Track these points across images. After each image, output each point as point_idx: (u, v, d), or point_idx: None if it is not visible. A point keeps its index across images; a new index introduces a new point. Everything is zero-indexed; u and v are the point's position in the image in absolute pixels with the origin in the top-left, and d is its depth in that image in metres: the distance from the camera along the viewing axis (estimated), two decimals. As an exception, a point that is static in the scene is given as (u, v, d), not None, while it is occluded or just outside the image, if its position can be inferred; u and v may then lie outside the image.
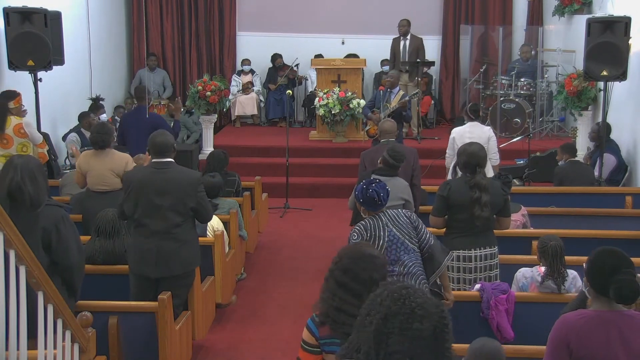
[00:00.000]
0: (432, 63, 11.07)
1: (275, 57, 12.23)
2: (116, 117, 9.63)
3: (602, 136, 8.02)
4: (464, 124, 7.48)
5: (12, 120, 6.64)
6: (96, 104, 9.33)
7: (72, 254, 3.93)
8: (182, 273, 4.70)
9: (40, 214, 3.82)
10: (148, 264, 4.60)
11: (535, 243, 4.97)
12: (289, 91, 10.51)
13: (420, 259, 4.14)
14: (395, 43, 11.00)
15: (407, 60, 10.79)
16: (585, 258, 4.60)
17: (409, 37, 10.89)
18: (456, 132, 7.27)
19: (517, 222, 5.82)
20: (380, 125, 6.59)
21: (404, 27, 10.88)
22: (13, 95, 6.78)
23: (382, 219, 4.10)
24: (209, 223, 5.72)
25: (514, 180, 8.77)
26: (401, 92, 8.94)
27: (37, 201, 3.80)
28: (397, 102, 8.70)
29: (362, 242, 3.08)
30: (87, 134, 8.46)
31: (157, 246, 4.59)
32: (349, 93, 10.38)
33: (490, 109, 10.79)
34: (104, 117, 9.24)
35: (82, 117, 8.71)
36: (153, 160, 4.79)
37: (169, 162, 4.74)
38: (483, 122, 7.48)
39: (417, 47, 10.89)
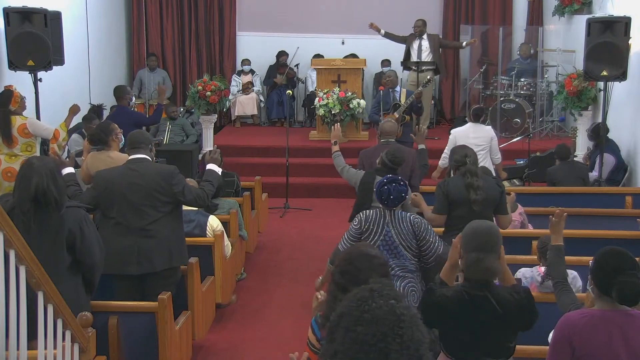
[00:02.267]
0: (432, 63, 11.05)
1: (281, 54, 12.25)
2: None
3: (602, 136, 8.03)
4: (464, 124, 7.60)
5: (17, 120, 6.62)
6: (94, 112, 9.19)
7: (95, 253, 3.98)
8: (164, 270, 4.63)
9: (65, 216, 3.87)
10: (129, 262, 4.56)
11: (535, 243, 4.98)
12: (289, 91, 10.51)
13: (411, 265, 4.23)
14: (409, 41, 10.88)
15: (421, 60, 10.72)
16: (585, 258, 4.63)
17: (425, 36, 10.83)
18: (457, 132, 7.46)
19: (516, 221, 5.85)
20: (381, 125, 6.62)
21: (419, 27, 10.80)
22: (9, 96, 6.71)
23: (385, 216, 4.21)
24: (208, 223, 5.73)
25: (514, 180, 8.82)
26: (404, 90, 8.93)
27: (60, 202, 3.85)
28: (405, 97, 8.69)
29: (361, 242, 3.11)
30: None
31: (136, 243, 4.55)
32: (349, 93, 10.38)
33: (490, 109, 10.79)
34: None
35: (85, 121, 8.67)
36: (129, 157, 4.79)
37: (143, 159, 4.72)
38: (483, 122, 7.62)
39: (439, 43, 10.84)
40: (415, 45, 10.83)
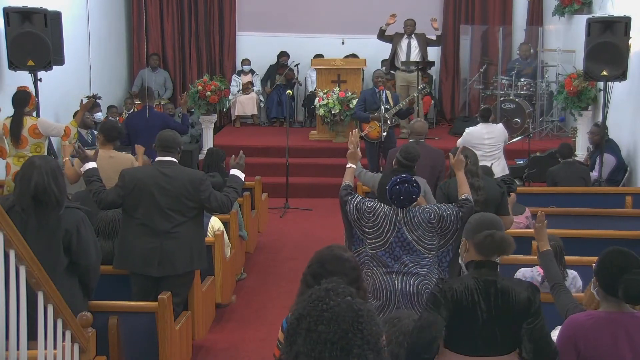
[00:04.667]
0: (432, 63, 11.06)
1: (281, 55, 12.26)
2: (110, 118, 9.59)
3: (602, 136, 8.03)
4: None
5: (28, 121, 6.62)
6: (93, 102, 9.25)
7: (91, 255, 3.98)
8: (184, 272, 4.70)
9: (62, 217, 3.88)
10: (151, 264, 4.61)
11: (535, 243, 4.98)
12: (289, 91, 10.51)
13: (425, 259, 4.21)
14: (395, 41, 10.90)
15: (410, 59, 10.74)
16: (585, 258, 4.63)
17: (413, 36, 10.85)
18: (472, 132, 7.59)
19: (521, 224, 5.86)
20: (411, 125, 6.67)
21: (410, 26, 10.83)
22: (27, 97, 6.70)
23: (398, 214, 4.21)
24: (210, 224, 5.74)
25: (514, 180, 8.82)
26: (388, 92, 8.91)
27: (61, 201, 3.87)
28: (392, 99, 8.69)
29: (335, 244, 3.11)
30: (84, 132, 8.46)
31: (160, 246, 4.60)
32: (349, 93, 10.37)
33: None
34: (99, 115, 9.19)
35: (77, 114, 8.66)
36: (157, 159, 4.81)
37: (172, 162, 4.75)
38: (493, 122, 7.71)
39: (425, 41, 10.88)
40: (404, 45, 10.83)
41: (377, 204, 4.32)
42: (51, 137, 7.21)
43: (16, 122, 6.57)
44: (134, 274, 4.71)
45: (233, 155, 5.16)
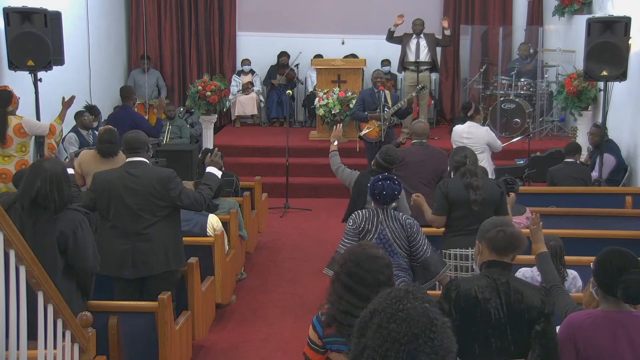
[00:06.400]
0: (432, 63, 11.05)
1: (282, 55, 12.27)
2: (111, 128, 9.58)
3: (602, 136, 8.03)
4: (464, 122, 7.65)
5: (12, 120, 6.62)
6: (89, 112, 9.21)
7: (88, 258, 3.96)
8: (162, 273, 4.64)
9: (59, 218, 3.87)
10: (126, 266, 4.57)
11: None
12: (289, 91, 10.51)
13: (404, 263, 4.29)
14: (405, 41, 10.88)
15: (419, 59, 10.75)
16: (585, 258, 4.63)
17: (422, 35, 10.84)
18: (455, 130, 7.54)
19: (521, 224, 5.84)
20: (412, 126, 6.65)
21: (419, 26, 10.81)
22: (9, 97, 6.70)
23: (379, 215, 4.23)
24: (209, 222, 5.73)
25: (516, 180, 8.82)
26: (387, 92, 8.91)
27: (60, 208, 3.86)
28: (392, 99, 8.69)
29: (365, 242, 3.11)
30: (84, 133, 8.46)
31: (132, 247, 4.56)
32: (349, 93, 10.38)
33: (490, 109, 10.79)
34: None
35: (77, 115, 8.68)
36: (126, 160, 4.77)
37: (141, 162, 4.71)
38: (478, 120, 7.61)
39: (435, 42, 10.90)
40: (413, 45, 10.81)
41: (356, 215, 4.36)
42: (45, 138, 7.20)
43: (0, 122, 6.55)
44: (113, 278, 4.67)
45: (209, 153, 5.14)
